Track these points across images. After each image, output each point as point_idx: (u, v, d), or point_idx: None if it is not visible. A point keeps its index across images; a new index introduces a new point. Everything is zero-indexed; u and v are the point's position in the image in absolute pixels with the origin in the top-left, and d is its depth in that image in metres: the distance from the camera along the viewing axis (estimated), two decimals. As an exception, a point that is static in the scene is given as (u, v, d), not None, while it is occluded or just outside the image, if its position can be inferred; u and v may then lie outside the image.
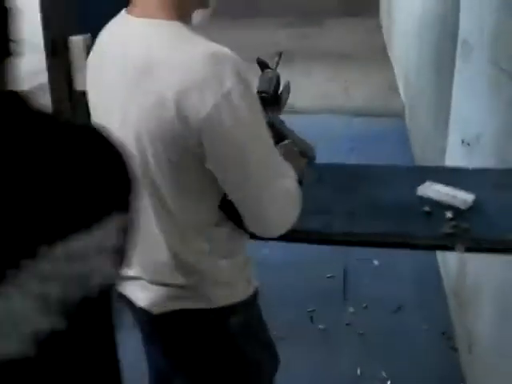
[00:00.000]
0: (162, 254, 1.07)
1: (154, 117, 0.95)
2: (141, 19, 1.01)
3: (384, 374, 2.28)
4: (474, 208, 1.47)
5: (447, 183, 1.56)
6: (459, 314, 2.43)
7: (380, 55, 7.83)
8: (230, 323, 1.15)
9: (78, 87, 1.30)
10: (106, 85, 1.06)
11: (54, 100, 1.32)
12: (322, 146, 2.17)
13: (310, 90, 6.32)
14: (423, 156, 3.78)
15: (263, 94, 1.30)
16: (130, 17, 1.04)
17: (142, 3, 1.02)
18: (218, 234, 1.09)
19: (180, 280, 1.08)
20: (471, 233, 1.36)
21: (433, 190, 1.54)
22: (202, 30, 1.06)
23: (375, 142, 4.58)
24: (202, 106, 0.91)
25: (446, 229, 1.37)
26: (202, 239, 1.07)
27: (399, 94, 5.78)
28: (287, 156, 1.20)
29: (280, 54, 1.42)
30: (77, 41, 1.27)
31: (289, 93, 1.39)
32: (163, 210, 1.04)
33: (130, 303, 1.16)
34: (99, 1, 1.30)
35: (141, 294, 1.13)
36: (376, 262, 3.05)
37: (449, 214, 1.43)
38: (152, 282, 1.11)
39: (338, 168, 1.77)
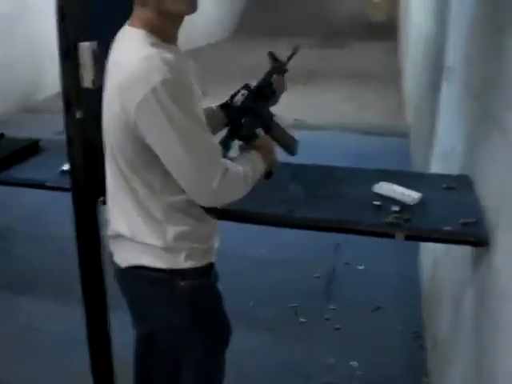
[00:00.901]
0: (128, 218, 1.32)
1: (110, 108, 1.24)
2: (128, 28, 1.27)
3: (356, 363, 2.49)
4: (419, 205, 1.70)
5: (403, 184, 1.79)
6: (429, 316, 2.62)
7: (395, 77, 8.06)
8: (180, 285, 1.34)
9: (85, 84, 1.58)
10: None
11: (65, 94, 1.60)
12: (327, 159, 2.38)
13: (325, 108, 6.58)
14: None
15: (261, 87, 1.44)
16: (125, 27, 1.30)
17: (132, 17, 1.28)
18: (170, 204, 1.29)
19: (140, 239, 1.31)
20: (411, 223, 1.59)
21: (386, 188, 1.77)
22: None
23: (378, 159, 4.78)
24: (135, 98, 1.15)
25: (390, 219, 1.60)
26: (158, 207, 1.29)
27: (405, 117, 6.00)
28: (261, 148, 1.40)
29: (296, 49, 1.51)
30: (85, 46, 1.55)
31: (283, 88, 1.52)
32: (125, 181, 1.30)
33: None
34: (105, 15, 1.58)
35: (114, 247, 1.41)
36: (362, 267, 3.26)
37: (395, 208, 1.66)
38: (119, 239, 1.36)
39: (311, 167, 2.01)
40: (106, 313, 1.91)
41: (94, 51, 1.56)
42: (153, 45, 1.20)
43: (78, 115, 1.60)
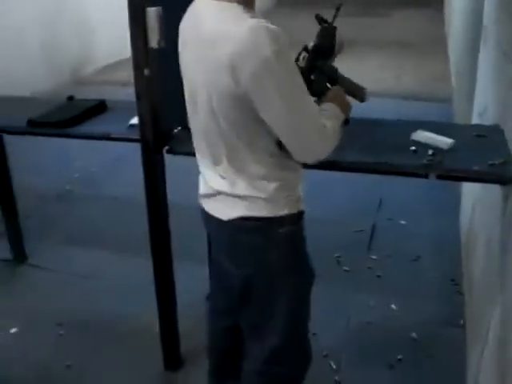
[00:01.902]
0: (230, 175, 1.44)
1: (216, 78, 1.28)
2: (212, 1, 1.33)
3: (394, 306, 2.68)
4: (452, 149, 1.86)
5: (438, 133, 1.95)
6: (467, 261, 2.78)
7: (439, 45, 8.02)
8: (279, 231, 1.48)
9: (151, 45, 1.81)
10: (185, 48, 1.44)
11: (134, 53, 1.81)
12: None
13: (364, 76, 6.64)
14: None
15: (318, 46, 1.53)
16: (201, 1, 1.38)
17: None
18: (271, 162, 1.42)
19: (243, 192, 1.44)
20: (443, 164, 1.76)
21: (422, 135, 1.94)
22: (266, 15, 1.30)
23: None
24: (248, 70, 1.22)
25: (425, 161, 1.78)
26: (260, 164, 1.41)
27: (451, 82, 6.02)
28: (335, 98, 1.52)
29: (338, 8, 1.57)
30: (151, 11, 1.76)
31: (342, 45, 1.60)
32: (227, 141, 1.39)
33: (206, 216, 1.57)
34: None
35: (213, 204, 1.52)
36: (404, 222, 3.43)
37: (430, 152, 1.83)
38: (220, 195, 1.48)
39: (355, 120, 2.18)
40: (171, 260, 2.13)
41: (159, 15, 1.77)
42: (252, 16, 1.27)
43: (146, 73, 1.82)
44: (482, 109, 2.61)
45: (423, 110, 5.32)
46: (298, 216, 1.52)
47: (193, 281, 2.48)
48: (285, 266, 1.53)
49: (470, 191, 2.92)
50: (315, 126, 1.36)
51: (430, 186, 3.48)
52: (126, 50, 2.21)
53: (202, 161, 1.54)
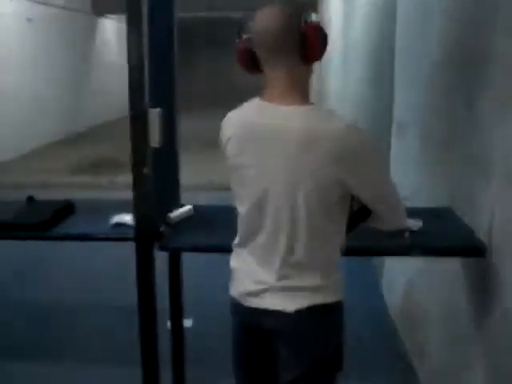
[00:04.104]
0: (302, 266, 1.51)
1: (318, 173, 1.41)
2: (290, 107, 1.44)
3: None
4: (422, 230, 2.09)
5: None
6: (412, 336, 2.98)
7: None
8: (335, 318, 1.57)
9: (152, 144, 1.86)
10: (260, 151, 1.47)
11: (134, 151, 1.85)
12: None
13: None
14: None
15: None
16: (273, 105, 1.46)
17: (283, 96, 1.46)
18: (339, 250, 1.55)
19: (314, 282, 1.51)
20: (426, 243, 1.98)
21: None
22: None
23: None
24: (352, 162, 1.41)
25: (408, 242, 1.99)
26: (333, 251, 1.54)
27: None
28: None
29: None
30: (153, 112, 1.83)
31: None
32: (308, 238, 1.48)
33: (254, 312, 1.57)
34: (167, 85, 1.88)
35: (270, 299, 1.53)
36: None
37: (406, 234, 2.04)
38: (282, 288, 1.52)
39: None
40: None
41: (160, 116, 1.85)
42: (329, 111, 1.49)
43: (145, 171, 1.86)
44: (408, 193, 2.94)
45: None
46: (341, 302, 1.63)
47: None
48: (337, 353, 1.60)
49: (398, 267, 3.20)
50: (399, 198, 1.58)
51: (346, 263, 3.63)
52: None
53: (250, 258, 1.58)
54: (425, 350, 2.69)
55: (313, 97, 11.32)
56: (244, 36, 1.53)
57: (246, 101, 1.55)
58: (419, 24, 2.92)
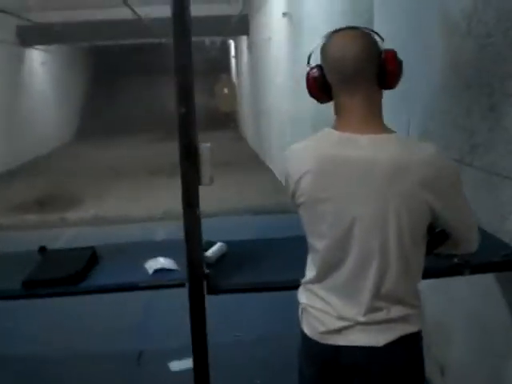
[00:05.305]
0: (391, 298, 1.46)
1: (409, 198, 1.40)
2: (375, 135, 1.41)
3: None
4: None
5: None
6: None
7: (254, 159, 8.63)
8: (420, 345, 1.54)
9: (204, 183, 1.74)
10: (346, 183, 1.42)
11: (185, 190, 1.71)
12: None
13: (212, 195, 6.85)
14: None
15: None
16: (354, 135, 1.42)
17: (363, 124, 1.43)
18: (420, 276, 1.53)
19: (402, 312, 1.47)
20: (471, 263, 1.95)
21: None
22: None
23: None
24: (441, 187, 1.41)
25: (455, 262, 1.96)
26: (419, 280, 1.52)
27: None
28: None
29: None
30: (205, 147, 1.72)
31: None
32: (402, 267, 1.45)
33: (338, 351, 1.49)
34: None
35: (356, 335, 1.47)
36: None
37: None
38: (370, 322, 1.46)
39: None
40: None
41: (210, 151, 1.72)
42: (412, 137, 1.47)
43: (197, 212, 1.73)
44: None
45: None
46: None
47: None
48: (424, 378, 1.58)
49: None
50: (475, 221, 1.58)
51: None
52: None
53: (329, 293, 1.50)
54: (445, 366, 2.67)
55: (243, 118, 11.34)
56: (314, 64, 1.48)
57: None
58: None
